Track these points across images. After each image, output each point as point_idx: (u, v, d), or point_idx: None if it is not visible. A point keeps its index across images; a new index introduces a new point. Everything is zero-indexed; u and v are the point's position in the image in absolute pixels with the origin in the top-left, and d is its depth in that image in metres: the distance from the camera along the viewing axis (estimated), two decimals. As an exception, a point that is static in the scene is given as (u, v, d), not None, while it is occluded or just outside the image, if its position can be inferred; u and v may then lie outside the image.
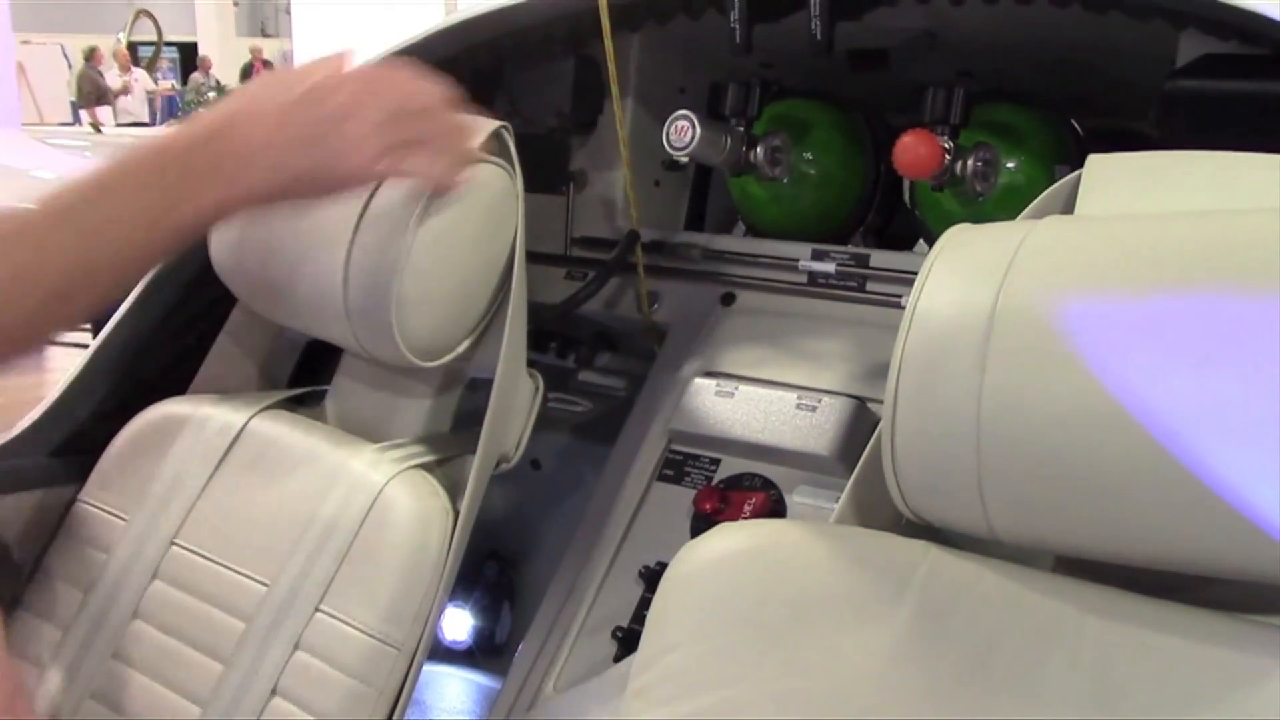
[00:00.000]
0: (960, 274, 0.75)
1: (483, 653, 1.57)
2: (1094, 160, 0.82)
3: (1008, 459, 0.68)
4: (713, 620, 0.77)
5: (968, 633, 0.71)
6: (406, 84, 0.91)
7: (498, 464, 1.09)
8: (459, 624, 1.56)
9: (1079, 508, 0.67)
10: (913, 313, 0.75)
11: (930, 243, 1.20)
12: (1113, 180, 0.81)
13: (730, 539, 0.81)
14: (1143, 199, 0.78)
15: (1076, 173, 0.83)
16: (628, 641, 1.05)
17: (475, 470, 1.04)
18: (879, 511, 0.84)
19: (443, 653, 1.57)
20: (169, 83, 13.52)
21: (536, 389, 1.12)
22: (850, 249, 1.17)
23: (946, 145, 1.04)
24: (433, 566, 1.00)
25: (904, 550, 0.76)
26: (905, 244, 1.28)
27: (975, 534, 0.73)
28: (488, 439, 1.04)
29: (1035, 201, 0.84)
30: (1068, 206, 0.83)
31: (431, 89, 0.91)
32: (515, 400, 1.09)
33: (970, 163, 1.07)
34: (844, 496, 0.84)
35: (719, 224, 1.43)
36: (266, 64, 12.61)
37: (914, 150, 1.02)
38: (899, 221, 1.28)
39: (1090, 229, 0.74)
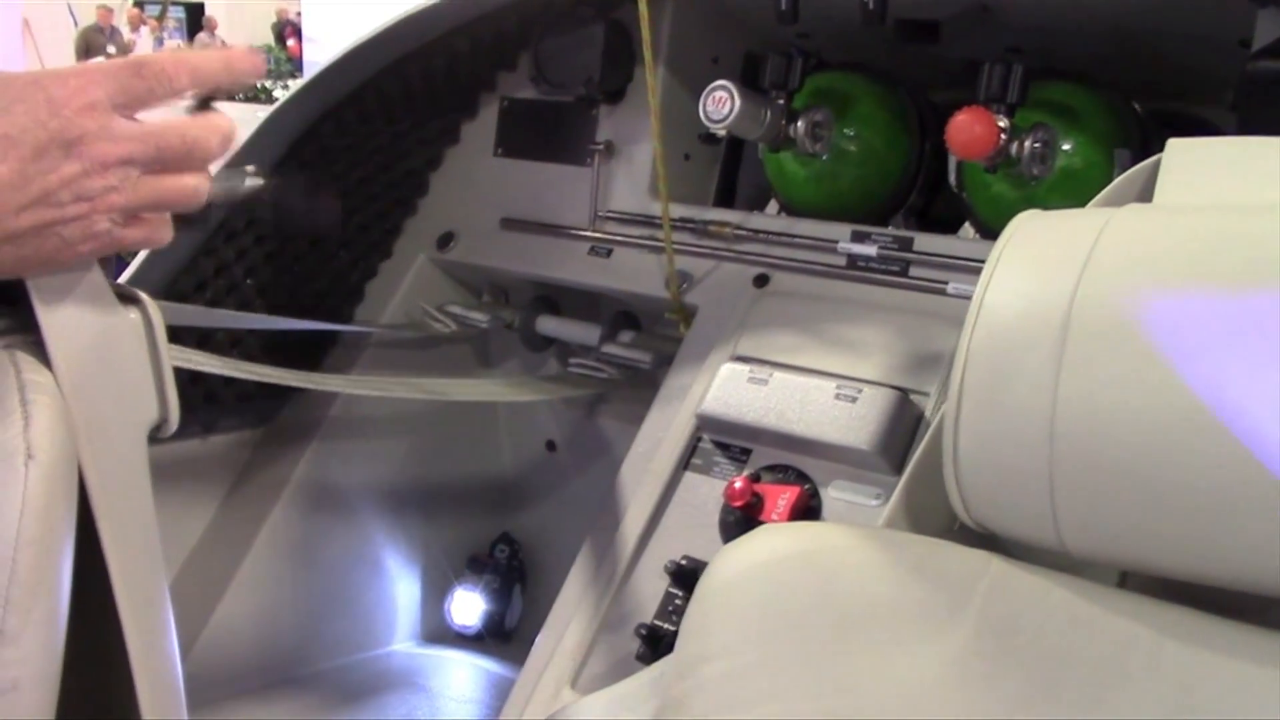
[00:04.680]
0: (1033, 264, 0.70)
1: (492, 637, 1.53)
2: (1175, 145, 0.77)
3: (1084, 468, 0.63)
4: (755, 630, 0.72)
5: (1034, 652, 0.67)
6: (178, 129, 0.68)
7: (156, 430, 0.77)
8: (469, 608, 1.52)
9: (1162, 523, 0.62)
10: (979, 305, 0.70)
11: (978, 227, 1.14)
12: (1194, 167, 0.76)
13: (774, 542, 0.76)
14: (1227, 188, 0.73)
15: (1154, 158, 0.77)
16: (652, 640, 1.00)
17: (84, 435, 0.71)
18: (931, 515, 0.79)
19: (451, 637, 1.53)
20: (175, 42, 13.39)
21: (146, 321, 0.75)
22: (893, 231, 1.11)
23: (1002, 124, 0.98)
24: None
25: (964, 561, 0.71)
26: (948, 227, 1.22)
27: (1042, 546, 0.68)
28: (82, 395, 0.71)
29: (1109, 187, 0.79)
30: (1143, 194, 0.77)
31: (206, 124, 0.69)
32: (109, 345, 0.74)
33: (1028, 144, 1.00)
34: (894, 498, 0.79)
35: (749, 201, 1.37)
36: (295, 26, 12.37)
37: (969, 129, 0.96)
38: (942, 203, 1.22)
39: (1176, 219, 0.69)
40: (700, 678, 0.72)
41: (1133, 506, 0.63)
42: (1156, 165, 0.77)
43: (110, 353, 0.74)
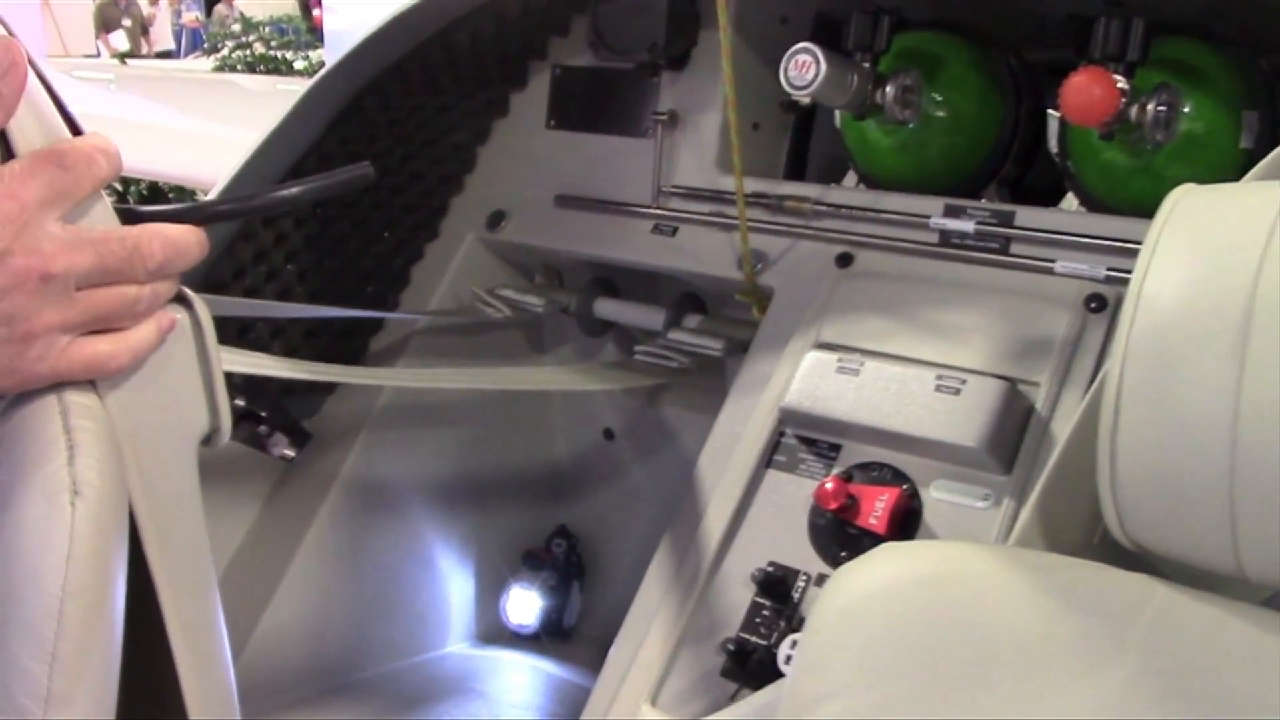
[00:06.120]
0: (1201, 247, 0.61)
1: (550, 636, 1.45)
2: None
3: (1274, 482, 0.55)
4: (880, 665, 0.64)
5: (1209, 693, 0.58)
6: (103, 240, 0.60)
7: (206, 439, 0.71)
8: (525, 606, 1.44)
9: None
10: (1138, 295, 0.61)
11: (1084, 199, 1.05)
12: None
13: (899, 563, 0.68)
14: None
15: None
16: (739, 655, 0.92)
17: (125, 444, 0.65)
18: (1067, 531, 0.71)
19: (507, 637, 1.45)
20: (193, 15, 13.30)
21: (194, 322, 0.68)
22: (991, 205, 1.02)
23: (1122, 86, 0.89)
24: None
25: (1123, 586, 0.62)
26: (1045, 199, 1.12)
27: (1214, 569, 0.60)
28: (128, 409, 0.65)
29: (1269, 158, 0.70)
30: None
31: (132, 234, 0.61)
32: (156, 352, 0.66)
33: (1150, 107, 0.91)
34: (1026, 512, 0.71)
35: (821, 174, 1.28)
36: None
37: (1087, 91, 0.87)
38: (1038, 172, 1.12)
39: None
40: (819, 717, 0.65)
41: (1334, 528, 0.54)
42: None
43: (157, 359, 0.66)
